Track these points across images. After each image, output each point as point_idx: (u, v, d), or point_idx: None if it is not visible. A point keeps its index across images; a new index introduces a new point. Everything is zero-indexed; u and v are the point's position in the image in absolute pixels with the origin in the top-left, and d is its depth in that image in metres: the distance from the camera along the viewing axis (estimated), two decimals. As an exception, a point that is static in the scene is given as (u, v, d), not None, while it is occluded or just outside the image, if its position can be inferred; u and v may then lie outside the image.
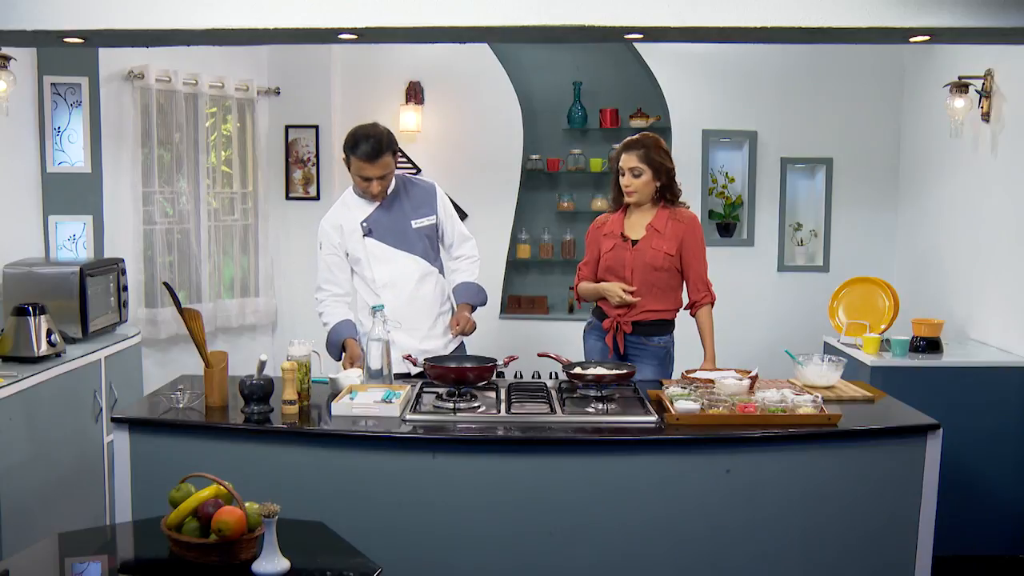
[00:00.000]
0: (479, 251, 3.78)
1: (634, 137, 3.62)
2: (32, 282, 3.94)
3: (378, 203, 3.53)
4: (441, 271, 3.64)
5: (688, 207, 3.67)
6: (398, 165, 5.61)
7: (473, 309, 3.65)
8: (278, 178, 5.60)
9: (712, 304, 3.63)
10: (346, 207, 3.58)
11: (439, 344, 3.55)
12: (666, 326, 3.62)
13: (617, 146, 3.69)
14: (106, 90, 4.59)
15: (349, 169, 3.49)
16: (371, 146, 3.39)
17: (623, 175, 3.58)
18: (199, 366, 3.01)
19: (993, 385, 3.96)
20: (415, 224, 3.54)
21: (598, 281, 3.68)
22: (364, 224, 3.51)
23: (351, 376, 3.14)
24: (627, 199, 3.61)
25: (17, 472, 3.30)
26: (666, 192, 3.59)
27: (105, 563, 2.34)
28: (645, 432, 2.77)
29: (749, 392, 3.02)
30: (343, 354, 3.51)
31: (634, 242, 3.59)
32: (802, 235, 5.63)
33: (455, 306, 3.67)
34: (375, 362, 3.15)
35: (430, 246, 3.58)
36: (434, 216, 3.59)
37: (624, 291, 3.55)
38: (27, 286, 3.92)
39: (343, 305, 3.59)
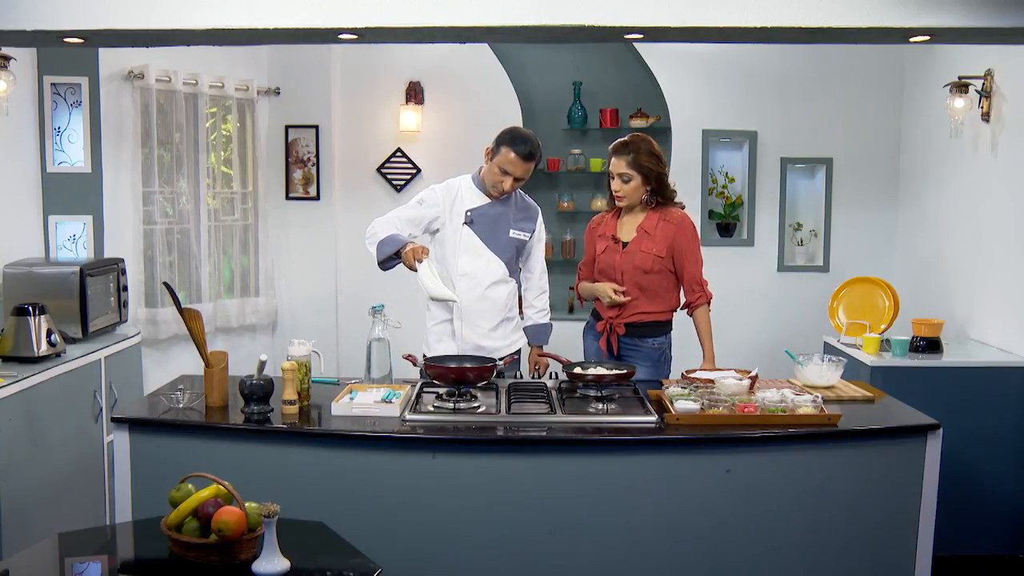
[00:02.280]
0: None
1: (623, 140, 3.59)
2: (32, 282, 3.94)
3: (490, 200, 3.58)
4: (518, 281, 3.72)
5: (684, 207, 3.66)
6: (399, 165, 5.65)
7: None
8: (278, 178, 5.59)
9: (708, 304, 3.61)
10: (460, 189, 3.63)
11: (497, 344, 3.59)
12: (660, 327, 3.61)
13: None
14: (106, 90, 4.59)
15: (492, 158, 3.53)
16: (529, 148, 3.47)
17: (612, 179, 3.58)
18: (199, 366, 3.01)
19: (993, 385, 3.95)
20: (512, 233, 3.61)
21: (595, 281, 3.69)
22: (469, 212, 3.56)
23: (427, 275, 3.26)
24: (617, 203, 3.61)
25: (17, 472, 3.30)
26: (657, 195, 3.58)
27: (105, 563, 2.34)
28: (645, 432, 2.77)
29: (749, 392, 3.02)
30: (401, 256, 3.34)
31: (624, 244, 3.58)
32: (802, 235, 5.63)
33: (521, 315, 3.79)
34: (375, 362, 3.15)
35: (515, 258, 3.66)
36: (530, 235, 3.67)
37: (615, 291, 3.55)
38: (27, 286, 3.92)
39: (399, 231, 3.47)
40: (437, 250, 3.63)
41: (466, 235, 3.56)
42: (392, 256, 3.37)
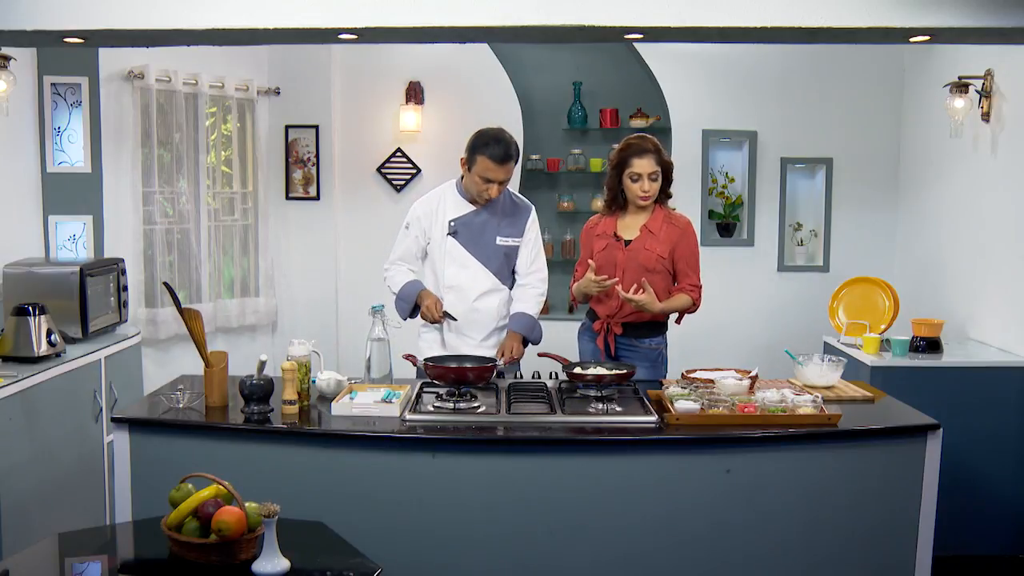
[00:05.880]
0: None
1: (642, 141, 3.53)
2: (32, 282, 3.94)
3: (474, 208, 3.54)
4: (511, 290, 3.65)
5: (675, 208, 3.65)
6: (399, 165, 5.65)
7: (525, 342, 3.61)
8: (278, 178, 5.59)
9: (693, 302, 3.51)
10: (443, 200, 3.59)
11: (489, 354, 3.48)
12: (658, 328, 3.59)
13: (617, 146, 3.62)
14: (106, 90, 4.59)
15: (469, 168, 3.46)
16: (503, 149, 3.39)
17: (638, 180, 3.49)
18: (199, 366, 3.01)
19: (993, 385, 3.95)
20: (499, 241, 3.56)
21: None
22: (452, 223, 3.53)
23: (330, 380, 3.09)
24: (641, 203, 3.53)
25: (17, 472, 3.30)
26: (662, 191, 3.57)
27: (105, 563, 2.34)
28: (645, 432, 2.77)
29: (749, 392, 3.02)
30: (417, 310, 3.57)
31: (627, 242, 3.57)
32: (802, 235, 5.63)
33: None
34: (375, 362, 3.15)
35: (506, 264, 3.60)
36: (520, 239, 3.60)
37: (596, 277, 3.42)
38: (27, 286, 3.92)
39: (411, 274, 3.64)
40: (428, 263, 3.62)
41: (451, 246, 3.53)
42: (413, 311, 3.55)
